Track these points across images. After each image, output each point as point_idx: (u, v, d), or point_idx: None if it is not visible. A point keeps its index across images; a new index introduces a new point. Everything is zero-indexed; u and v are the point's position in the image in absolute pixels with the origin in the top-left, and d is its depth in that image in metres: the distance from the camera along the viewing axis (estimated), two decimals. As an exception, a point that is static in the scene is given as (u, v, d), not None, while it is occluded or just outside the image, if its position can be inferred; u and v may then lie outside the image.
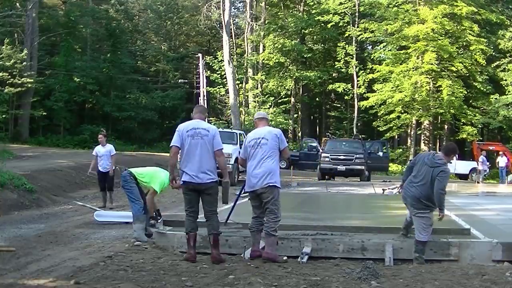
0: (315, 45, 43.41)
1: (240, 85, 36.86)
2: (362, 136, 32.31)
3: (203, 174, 6.03)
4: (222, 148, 6.19)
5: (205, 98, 35.81)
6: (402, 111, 35.32)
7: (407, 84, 34.42)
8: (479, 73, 35.66)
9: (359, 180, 22.86)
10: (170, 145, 6.23)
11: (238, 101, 32.77)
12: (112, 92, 39.50)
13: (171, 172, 6.34)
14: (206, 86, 36.29)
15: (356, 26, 38.30)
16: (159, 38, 46.22)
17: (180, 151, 6.18)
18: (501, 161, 27.03)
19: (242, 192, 7.32)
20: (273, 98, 38.46)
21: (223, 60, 33.60)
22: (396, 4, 36.71)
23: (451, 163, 7.64)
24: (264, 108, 36.27)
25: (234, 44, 39.06)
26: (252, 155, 6.30)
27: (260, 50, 41.00)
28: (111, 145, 12.40)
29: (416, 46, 34.55)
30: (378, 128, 36.76)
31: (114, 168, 11.98)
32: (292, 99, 42.00)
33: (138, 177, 7.82)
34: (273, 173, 6.21)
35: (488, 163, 27.24)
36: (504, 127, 35.96)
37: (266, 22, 41.26)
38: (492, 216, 9.87)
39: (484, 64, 35.34)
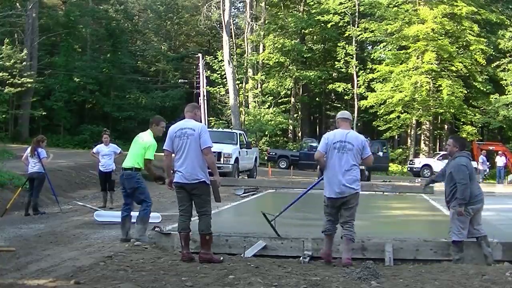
0: (315, 45, 43.39)
1: (240, 85, 36.85)
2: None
3: (189, 174, 5.99)
4: (210, 146, 6.06)
5: (205, 98, 35.77)
6: (402, 111, 35.32)
7: (407, 84, 34.42)
8: (479, 73, 35.66)
9: (359, 180, 22.76)
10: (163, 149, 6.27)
11: (238, 101, 32.77)
12: (112, 92, 39.53)
13: (167, 175, 6.39)
14: (206, 86, 36.28)
15: (356, 26, 38.27)
16: (159, 38, 46.23)
17: (173, 153, 6.20)
18: (499, 161, 27.02)
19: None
20: (273, 98, 38.45)
21: (223, 60, 33.62)
22: (396, 4, 36.70)
23: None
24: (264, 108, 36.30)
25: (234, 44, 39.05)
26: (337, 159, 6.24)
27: (260, 50, 40.99)
28: (114, 144, 12.40)
29: (416, 46, 34.56)
30: (378, 128, 36.75)
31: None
32: (292, 99, 42.00)
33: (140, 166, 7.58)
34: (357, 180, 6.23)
35: (488, 163, 27.19)
36: (504, 127, 35.94)
37: (266, 22, 41.25)
38: (492, 216, 9.84)
39: (484, 64, 35.34)
